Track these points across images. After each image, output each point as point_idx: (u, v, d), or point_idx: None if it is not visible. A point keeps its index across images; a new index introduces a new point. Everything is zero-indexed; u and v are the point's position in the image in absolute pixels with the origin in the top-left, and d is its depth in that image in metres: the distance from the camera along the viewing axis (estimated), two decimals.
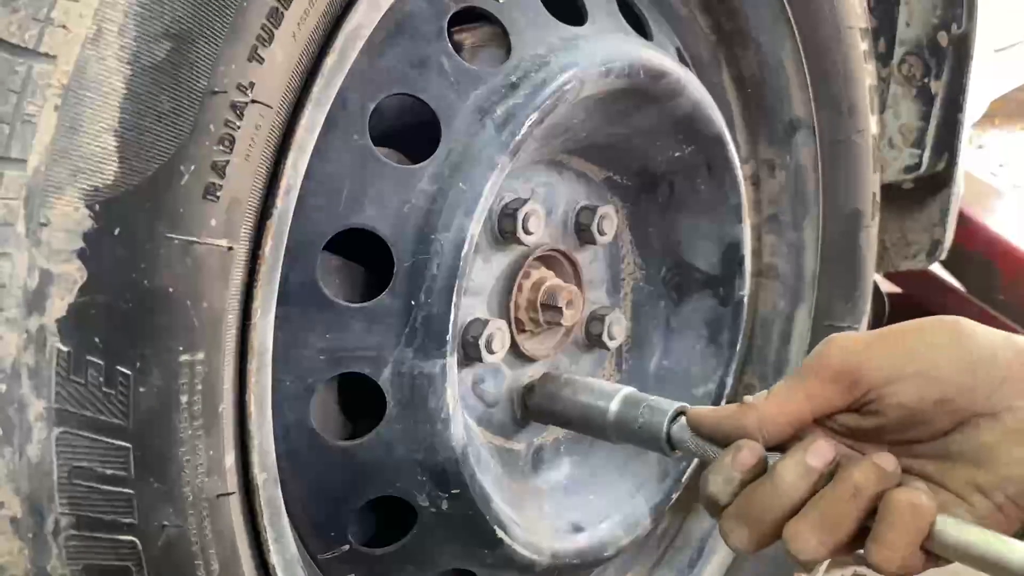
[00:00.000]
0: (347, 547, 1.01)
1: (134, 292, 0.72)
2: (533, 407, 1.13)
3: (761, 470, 0.78)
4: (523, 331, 1.18)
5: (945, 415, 0.76)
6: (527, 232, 1.11)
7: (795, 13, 1.32)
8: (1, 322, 0.68)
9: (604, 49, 1.07)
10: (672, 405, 0.94)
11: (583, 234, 1.22)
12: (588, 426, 1.06)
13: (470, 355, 1.09)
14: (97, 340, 0.71)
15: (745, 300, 1.31)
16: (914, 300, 2.18)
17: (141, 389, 0.73)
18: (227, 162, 0.76)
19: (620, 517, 1.22)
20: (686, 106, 1.18)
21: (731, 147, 1.24)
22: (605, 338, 1.25)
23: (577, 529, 1.18)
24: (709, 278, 1.30)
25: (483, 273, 1.13)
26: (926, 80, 1.48)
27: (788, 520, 0.76)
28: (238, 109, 0.76)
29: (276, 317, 0.88)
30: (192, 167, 0.74)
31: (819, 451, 0.76)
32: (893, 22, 1.48)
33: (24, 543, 0.70)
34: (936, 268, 2.06)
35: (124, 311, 0.72)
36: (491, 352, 1.09)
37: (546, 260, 1.20)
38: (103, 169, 0.70)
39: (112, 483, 0.73)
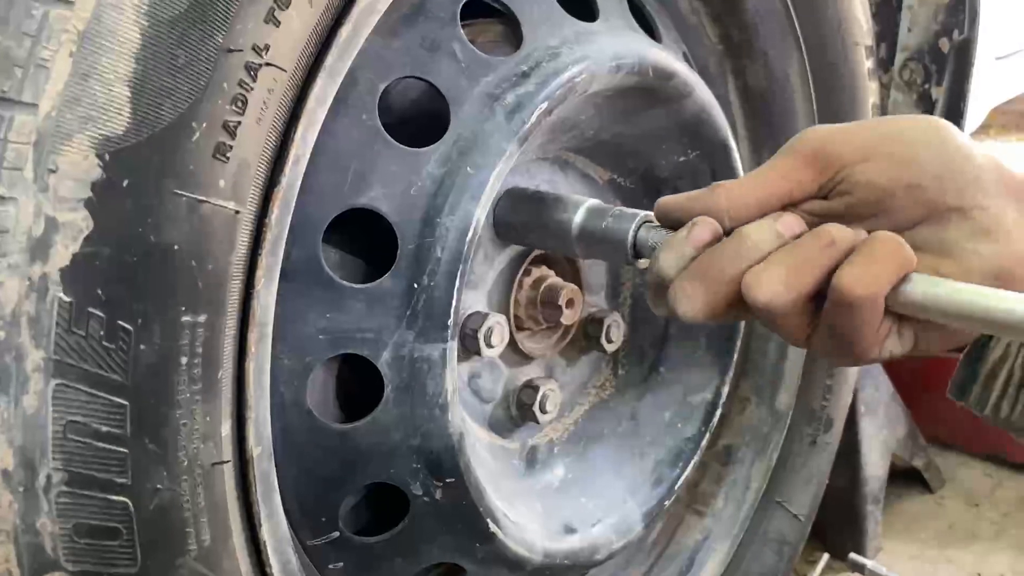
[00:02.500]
0: (337, 534, 0.99)
1: (139, 246, 0.71)
2: (498, 222, 1.05)
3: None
4: (522, 329, 1.18)
5: (914, 203, 0.73)
6: None
7: (803, 28, 1.32)
8: (3, 268, 0.67)
9: (615, 45, 1.07)
10: (638, 212, 0.88)
11: None
12: (553, 239, 0.99)
13: (468, 348, 1.08)
14: (100, 292, 0.69)
15: None
16: None
17: (142, 346, 0.72)
18: (238, 123, 0.75)
19: (613, 520, 1.21)
20: (693, 109, 1.18)
21: (736, 154, 1.24)
22: (603, 341, 1.24)
23: (569, 530, 1.17)
24: None
25: (484, 268, 1.12)
26: (927, 86, 1.49)
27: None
28: (252, 70, 0.75)
29: (277, 292, 0.87)
30: (204, 124, 0.73)
31: (788, 221, 0.74)
32: (895, 28, 1.49)
33: (14, 497, 0.69)
34: None
35: (128, 265, 0.70)
36: (490, 346, 1.08)
37: (547, 259, 1.20)
38: (115, 119, 0.69)
39: (107, 441, 0.72)
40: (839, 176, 0.75)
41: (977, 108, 1.60)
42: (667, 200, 0.82)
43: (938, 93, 1.50)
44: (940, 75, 1.49)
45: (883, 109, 1.50)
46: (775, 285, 0.70)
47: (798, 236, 0.73)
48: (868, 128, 0.77)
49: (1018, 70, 1.90)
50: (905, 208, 0.74)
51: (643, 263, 0.88)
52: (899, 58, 1.50)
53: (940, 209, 0.73)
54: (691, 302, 0.74)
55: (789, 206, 0.76)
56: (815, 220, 0.76)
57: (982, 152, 0.75)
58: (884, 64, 1.50)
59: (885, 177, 0.74)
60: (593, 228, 0.92)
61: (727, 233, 0.76)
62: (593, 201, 0.95)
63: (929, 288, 0.69)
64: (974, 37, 1.47)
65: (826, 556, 1.80)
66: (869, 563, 1.52)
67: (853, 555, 1.60)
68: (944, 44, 1.47)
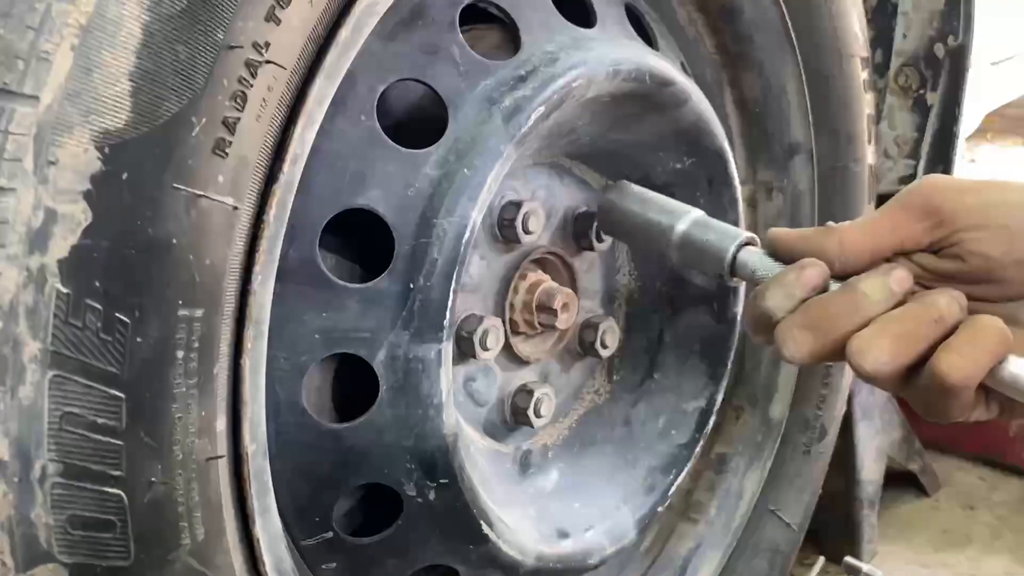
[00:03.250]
0: (330, 534, 0.99)
1: (137, 239, 0.71)
2: (601, 213, 1.05)
3: (822, 292, 0.77)
4: (517, 333, 1.18)
5: (1020, 278, 0.75)
6: (527, 231, 1.11)
7: (799, 39, 1.33)
8: (1, 258, 0.67)
9: (613, 52, 1.08)
10: (741, 232, 0.91)
11: (581, 240, 1.22)
12: (652, 242, 1.00)
13: (463, 351, 1.09)
14: (98, 284, 0.70)
15: (739, 318, 1.31)
16: None
17: (138, 339, 0.72)
18: (238, 119, 0.76)
19: (606, 526, 1.21)
20: (690, 117, 1.19)
21: (732, 162, 1.25)
22: (598, 346, 1.24)
23: (562, 535, 1.17)
24: (704, 294, 1.30)
25: (480, 271, 1.13)
26: (922, 91, 1.50)
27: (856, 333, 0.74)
28: (252, 67, 0.76)
29: (273, 291, 0.87)
30: (203, 120, 0.73)
31: (901, 277, 0.75)
32: (890, 33, 1.50)
33: (9, 487, 0.69)
34: None
35: (126, 257, 0.71)
36: (485, 349, 1.09)
37: (543, 264, 1.20)
38: (115, 112, 0.69)
39: (103, 433, 0.72)
40: (952, 238, 0.77)
41: (972, 113, 1.61)
42: (780, 233, 0.84)
43: (933, 99, 1.51)
44: (935, 80, 1.50)
45: (879, 120, 1.51)
46: (881, 356, 0.72)
47: (908, 292, 0.75)
48: (985, 191, 0.78)
49: (1013, 75, 1.91)
50: (1013, 280, 0.76)
51: (736, 282, 0.91)
52: (894, 64, 1.51)
53: None
54: (799, 348, 0.75)
55: (898, 254, 0.79)
56: (923, 274, 0.78)
57: None
58: (880, 69, 1.51)
59: (998, 250, 0.75)
60: (694, 238, 0.94)
61: (835, 277, 0.78)
62: (698, 213, 0.96)
63: (1021, 370, 0.72)
64: (969, 42, 1.48)
65: (822, 560, 1.81)
66: (865, 567, 1.52)
67: (848, 559, 1.60)
68: (939, 50, 1.48)
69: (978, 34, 1.49)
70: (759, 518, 1.46)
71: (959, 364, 0.71)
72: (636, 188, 1.03)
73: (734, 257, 0.87)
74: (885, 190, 1.56)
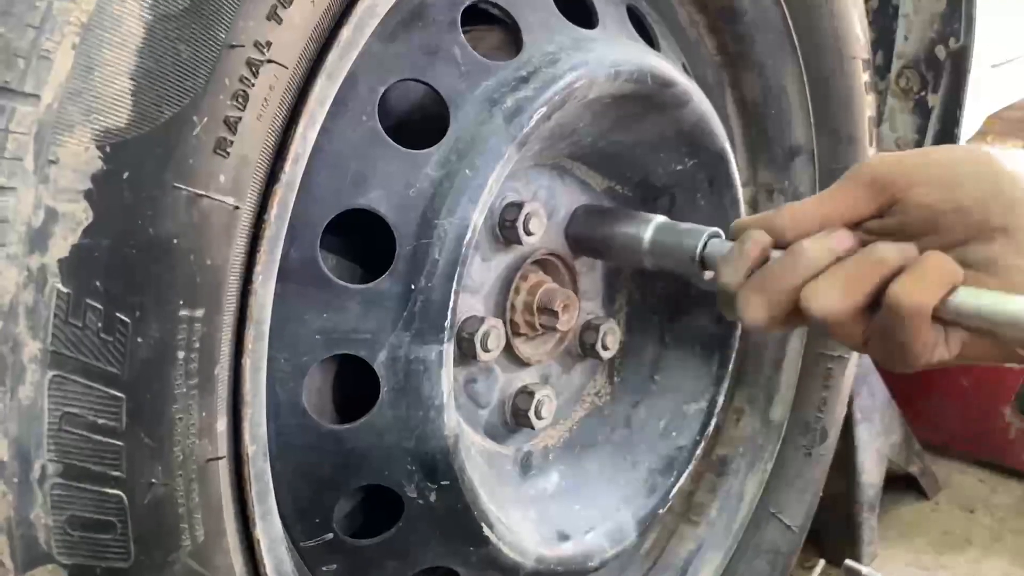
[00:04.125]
0: (330, 536, 0.99)
1: (138, 239, 0.71)
2: (572, 236, 1.13)
3: (766, 260, 0.83)
4: (518, 334, 1.18)
5: (962, 223, 0.79)
6: (528, 232, 1.11)
7: (800, 40, 1.33)
8: (2, 258, 0.67)
9: (614, 52, 1.08)
10: (707, 228, 0.96)
11: None
12: (625, 253, 1.07)
13: (464, 352, 1.08)
14: (98, 284, 0.69)
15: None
16: None
17: (139, 339, 0.72)
18: (239, 119, 0.76)
19: (606, 528, 1.21)
20: (691, 118, 1.18)
21: (733, 163, 1.24)
22: (599, 348, 1.24)
23: (563, 537, 1.16)
24: (705, 295, 1.30)
25: (481, 272, 1.12)
26: (923, 93, 1.50)
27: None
28: (254, 66, 0.76)
29: (274, 292, 0.87)
30: (205, 119, 0.73)
31: (841, 236, 0.81)
32: (891, 35, 1.50)
33: (8, 488, 0.68)
34: None
35: (127, 257, 0.71)
36: (486, 350, 1.08)
37: (544, 265, 1.20)
38: (116, 111, 0.69)
39: (103, 433, 0.71)
40: (894, 199, 0.82)
41: (973, 115, 1.61)
42: (740, 220, 0.90)
43: (934, 100, 1.51)
44: (936, 82, 1.50)
45: (880, 122, 1.51)
46: (830, 298, 0.78)
47: (851, 249, 0.80)
48: (920, 155, 0.85)
49: (1014, 77, 1.91)
50: (953, 228, 0.80)
51: (709, 274, 0.96)
52: (895, 66, 1.51)
53: (986, 229, 0.79)
54: (755, 311, 0.82)
55: (847, 224, 0.83)
56: (872, 238, 0.82)
57: None
58: (881, 71, 1.50)
59: (933, 198, 0.80)
60: (663, 241, 1.00)
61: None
62: (661, 218, 1.03)
63: (973, 299, 0.76)
64: (970, 44, 1.48)
65: (822, 562, 1.81)
66: (865, 569, 1.52)
67: (849, 561, 1.60)
68: (940, 52, 1.48)
69: (979, 36, 1.49)
70: (760, 520, 1.46)
71: (910, 289, 0.75)
72: (597, 208, 1.10)
73: (703, 249, 0.93)
74: None
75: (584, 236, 1.10)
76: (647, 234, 1.02)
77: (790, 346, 1.44)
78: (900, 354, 0.78)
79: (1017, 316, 0.74)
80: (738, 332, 1.30)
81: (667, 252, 1.01)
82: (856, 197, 0.83)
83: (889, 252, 0.78)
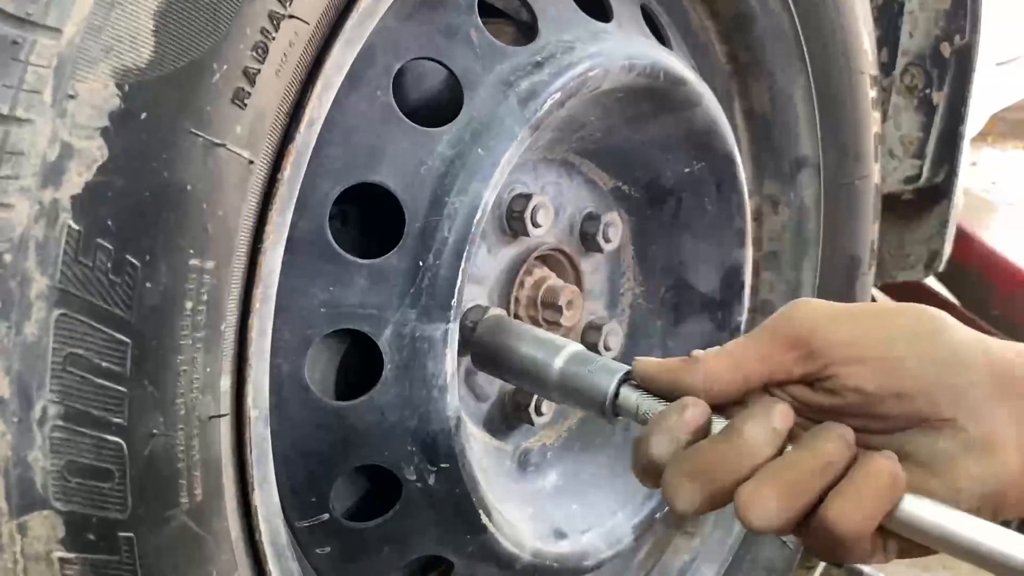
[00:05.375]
0: (326, 516, 0.97)
1: (152, 182, 0.70)
2: (474, 349, 1.00)
3: (705, 433, 0.72)
4: None
5: (903, 412, 0.70)
6: (535, 225, 1.10)
7: (810, 52, 1.34)
8: (15, 190, 0.66)
9: (628, 46, 1.08)
10: (622, 368, 0.84)
11: (588, 240, 1.21)
12: (530, 380, 0.95)
13: (468, 340, 1.07)
14: (110, 224, 0.69)
15: (743, 326, 1.30)
16: None
17: (148, 284, 0.71)
18: (258, 71, 0.75)
19: (602, 530, 1.19)
20: (702, 119, 1.18)
21: (741, 168, 1.24)
22: (601, 348, 1.23)
23: (559, 535, 1.15)
24: (708, 301, 1.29)
25: (487, 264, 1.12)
26: (928, 91, 1.49)
27: (744, 482, 0.69)
28: (275, 19, 0.76)
29: (281, 262, 0.86)
30: (224, 67, 0.73)
31: (783, 413, 0.70)
32: (896, 32, 1.50)
33: (7, 427, 0.67)
34: (931, 282, 2.06)
35: (140, 199, 0.70)
36: None
37: (549, 261, 1.19)
38: (138, 50, 0.68)
39: (107, 377, 0.70)
40: (826, 371, 0.72)
41: (978, 113, 1.61)
42: (646, 365, 0.79)
43: (939, 98, 1.50)
44: (941, 80, 1.50)
45: (884, 118, 1.51)
46: (768, 511, 0.68)
47: (790, 428, 0.70)
48: (859, 321, 0.73)
49: (1018, 76, 1.91)
50: (893, 415, 0.71)
51: (618, 421, 0.85)
52: (900, 63, 1.51)
53: (931, 419, 0.70)
54: (690, 501, 0.71)
55: (769, 385, 0.74)
56: (799, 407, 0.73)
57: (978, 346, 0.71)
58: (886, 69, 1.51)
59: (873, 384, 0.71)
60: (574, 375, 0.88)
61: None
62: (577, 347, 0.92)
63: (918, 512, 0.68)
64: (975, 42, 1.48)
65: (823, 563, 1.78)
66: (866, 568, 1.49)
67: None
68: (945, 49, 1.48)
69: (984, 34, 1.49)
70: (755, 535, 1.44)
71: (850, 513, 0.67)
72: (511, 322, 0.98)
73: (616, 394, 0.82)
74: (889, 190, 1.55)
75: (490, 347, 0.98)
76: (557, 363, 0.90)
77: None
78: (834, 557, 0.70)
79: (972, 543, 0.67)
80: None
81: (575, 389, 0.89)
82: (781, 359, 0.72)
83: (836, 455, 0.68)
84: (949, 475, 0.70)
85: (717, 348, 0.75)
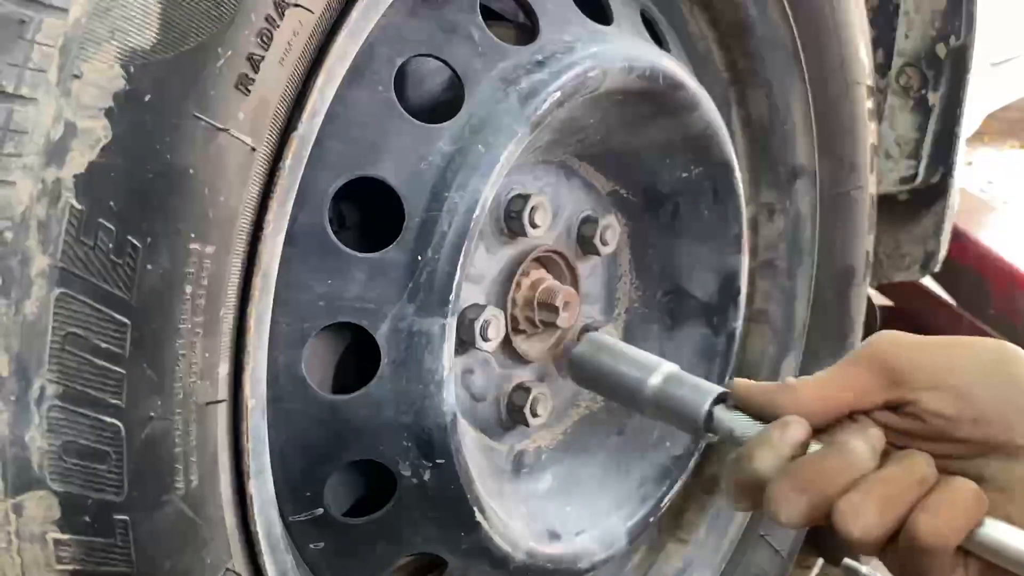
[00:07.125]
0: (320, 511, 0.97)
1: (155, 164, 0.70)
2: (572, 367, 1.03)
3: (804, 451, 0.75)
4: (518, 331, 1.17)
5: (981, 437, 0.74)
6: (533, 225, 1.11)
7: (808, 61, 1.35)
8: (18, 168, 0.66)
9: (628, 49, 1.09)
10: (715, 388, 0.88)
11: (585, 243, 1.22)
12: (624, 396, 0.98)
13: (464, 339, 1.07)
14: (112, 204, 0.69)
15: (738, 332, 1.30)
16: (905, 313, 2.18)
17: (148, 266, 0.71)
18: (262, 58, 0.76)
19: (597, 532, 1.19)
20: (700, 124, 1.19)
21: (738, 175, 1.25)
22: None
23: (553, 536, 1.15)
24: (704, 306, 1.30)
25: (485, 263, 1.12)
26: (923, 91, 1.50)
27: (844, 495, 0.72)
28: (280, 7, 0.76)
29: (280, 254, 0.86)
30: (229, 53, 0.73)
31: (878, 435, 0.75)
32: (892, 33, 1.50)
33: (5, 405, 0.67)
34: (928, 282, 2.06)
35: (142, 181, 0.70)
36: (486, 339, 1.07)
37: (547, 263, 1.19)
38: (143, 32, 0.69)
39: (106, 358, 0.70)
40: (908, 396, 0.76)
41: (973, 114, 1.61)
42: (745, 387, 0.82)
43: (935, 99, 1.51)
44: (937, 81, 1.50)
45: (879, 118, 1.51)
46: (868, 520, 0.70)
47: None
48: (938, 350, 0.78)
49: (1014, 76, 1.92)
50: (973, 440, 0.74)
51: (710, 437, 0.88)
52: (896, 63, 1.51)
53: (1008, 446, 0.74)
54: (795, 512, 0.73)
55: (854, 411, 0.77)
56: (886, 432, 0.76)
57: None
58: (881, 69, 1.51)
59: (952, 409, 0.74)
60: (668, 394, 0.91)
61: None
62: (673, 367, 0.94)
63: (998, 535, 0.70)
64: (971, 43, 1.48)
65: (820, 561, 1.77)
66: (864, 568, 1.49)
67: (847, 560, 1.57)
68: (941, 49, 1.48)
69: (979, 35, 1.50)
70: (748, 543, 1.44)
71: (937, 526, 0.70)
72: (607, 340, 1.01)
73: (709, 413, 0.85)
74: (886, 191, 1.56)
75: (587, 365, 0.99)
76: (653, 382, 0.92)
77: (785, 367, 1.44)
78: (915, 575, 0.73)
79: None
80: (736, 344, 1.30)
81: (670, 408, 0.90)
82: (867, 385, 0.76)
83: (928, 471, 0.72)
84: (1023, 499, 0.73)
85: (807, 376, 0.79)
